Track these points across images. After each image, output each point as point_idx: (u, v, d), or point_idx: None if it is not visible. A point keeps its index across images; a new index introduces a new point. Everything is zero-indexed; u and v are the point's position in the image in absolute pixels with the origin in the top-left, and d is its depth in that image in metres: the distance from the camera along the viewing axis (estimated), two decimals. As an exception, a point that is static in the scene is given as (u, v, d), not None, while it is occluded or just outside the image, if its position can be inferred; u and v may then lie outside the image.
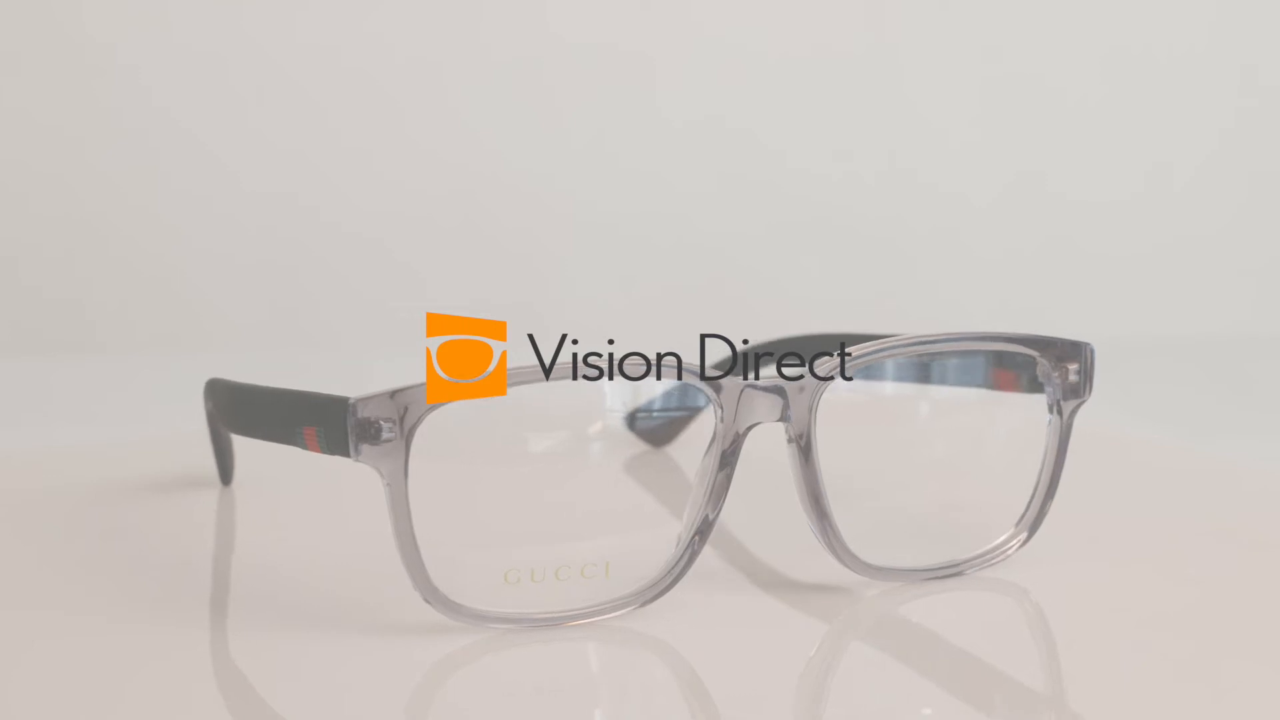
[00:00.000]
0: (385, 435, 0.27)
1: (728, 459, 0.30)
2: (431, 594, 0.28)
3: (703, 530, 0.30)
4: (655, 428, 0.46)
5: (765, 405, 0.30)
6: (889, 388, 0.46)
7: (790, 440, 0.30)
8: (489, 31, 1.24)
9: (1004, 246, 1.29)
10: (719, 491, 0.30)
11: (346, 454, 0.28)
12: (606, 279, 1.25)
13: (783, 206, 1.27)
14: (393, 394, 0.28)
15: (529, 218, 1.25)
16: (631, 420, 0.46)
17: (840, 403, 0.46)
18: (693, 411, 0.46)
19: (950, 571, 0.32)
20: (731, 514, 0.30)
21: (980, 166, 1.29)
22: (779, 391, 0.30)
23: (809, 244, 1.26)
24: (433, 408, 0.28)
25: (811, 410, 0.30)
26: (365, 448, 0.28)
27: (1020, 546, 0.33)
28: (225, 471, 0.41)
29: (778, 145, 1.27)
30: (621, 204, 1.26)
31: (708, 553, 0.31)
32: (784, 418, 0.30)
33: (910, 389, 0.45)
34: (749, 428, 0.30)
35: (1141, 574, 0.33)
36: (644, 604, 0.29)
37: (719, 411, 0.29)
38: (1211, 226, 1.31)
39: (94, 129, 1.20)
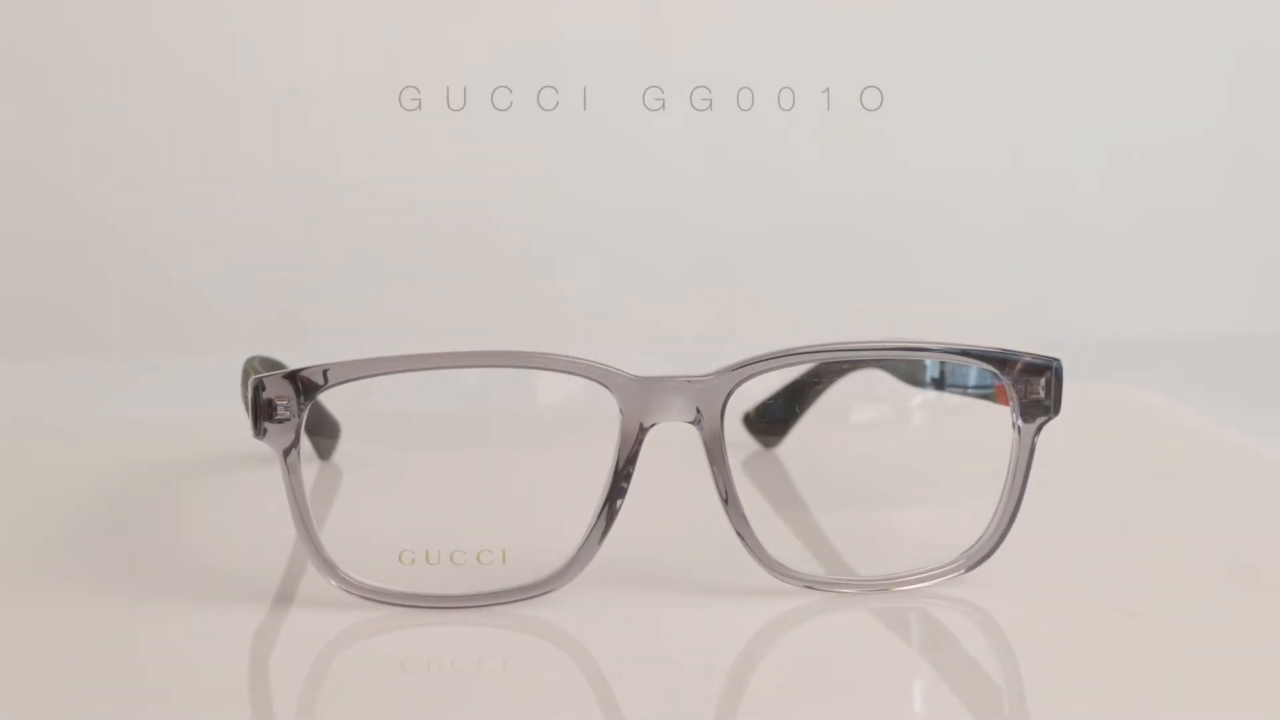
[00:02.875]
0: (280, 414, 0.28)
1: (628, 456, 0.30)
2: (325, 568, 0.29)
3: (602, 528, 0.30)
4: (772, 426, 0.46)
5: (669, 403, 0.30)
6: (863, 393, 0.46)
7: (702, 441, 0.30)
8: (489, 29, 1.24)
9: (1011, 244, 1.29)
10: (618, 489, 0.30)
11: (254, 433, 0.29)
12: (607, 279, 1.25)
13: (783, 206, 1.27)
14: (291, 374, 0.29)
15: (529, 217, 1.25)
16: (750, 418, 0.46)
17: (830, 410, 0.46)
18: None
19: (876, 587, 0.31)
20: (675, 514, 0.31)
21: (979, 166, 1.29)
22: (684, 390, 0.30)
23: (811, 244, 1.26)
24: (326, 389, 0.29)
25: (719, 411, 0.30)
26: (267, 426, 0.29)
27: (961, 574, 0.32)
28: (322, 448, 0.42)
29: (778, 144, 1.27)
30: (621, 204, 1.26)
31: (625, 552, 0.31)
32: (694, 419, 0.30)
33: (885, 395, 0.45)
34: (650, 425, 0.30)
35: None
36: (539, 594, 0.30)
37: (619, 406, 0.30)
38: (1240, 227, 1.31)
39: (94, 129, 1.20)
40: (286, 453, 0.29)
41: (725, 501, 0.31)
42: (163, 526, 0.36)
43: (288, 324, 1.20)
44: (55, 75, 1.19)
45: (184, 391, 0.96)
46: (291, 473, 0.29)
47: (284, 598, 0.30)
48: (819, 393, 0.43)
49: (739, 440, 0.44)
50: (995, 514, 0.32)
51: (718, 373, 0.30)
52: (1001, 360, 0.32)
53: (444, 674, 0.27)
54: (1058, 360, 0.32)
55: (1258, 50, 1.29)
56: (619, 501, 0.30)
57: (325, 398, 0.30)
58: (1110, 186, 1.30)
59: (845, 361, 0.34)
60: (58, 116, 1.19)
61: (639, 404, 0.30)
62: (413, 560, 0.30)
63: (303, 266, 1.22)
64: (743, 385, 0.30)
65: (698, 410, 0.30)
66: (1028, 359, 0.32)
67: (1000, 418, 0.35)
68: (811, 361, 0.33)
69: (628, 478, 0.30)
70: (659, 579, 0.32)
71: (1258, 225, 1.30)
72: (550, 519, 0.31)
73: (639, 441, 0.30)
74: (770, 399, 0.44)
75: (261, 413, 0.29)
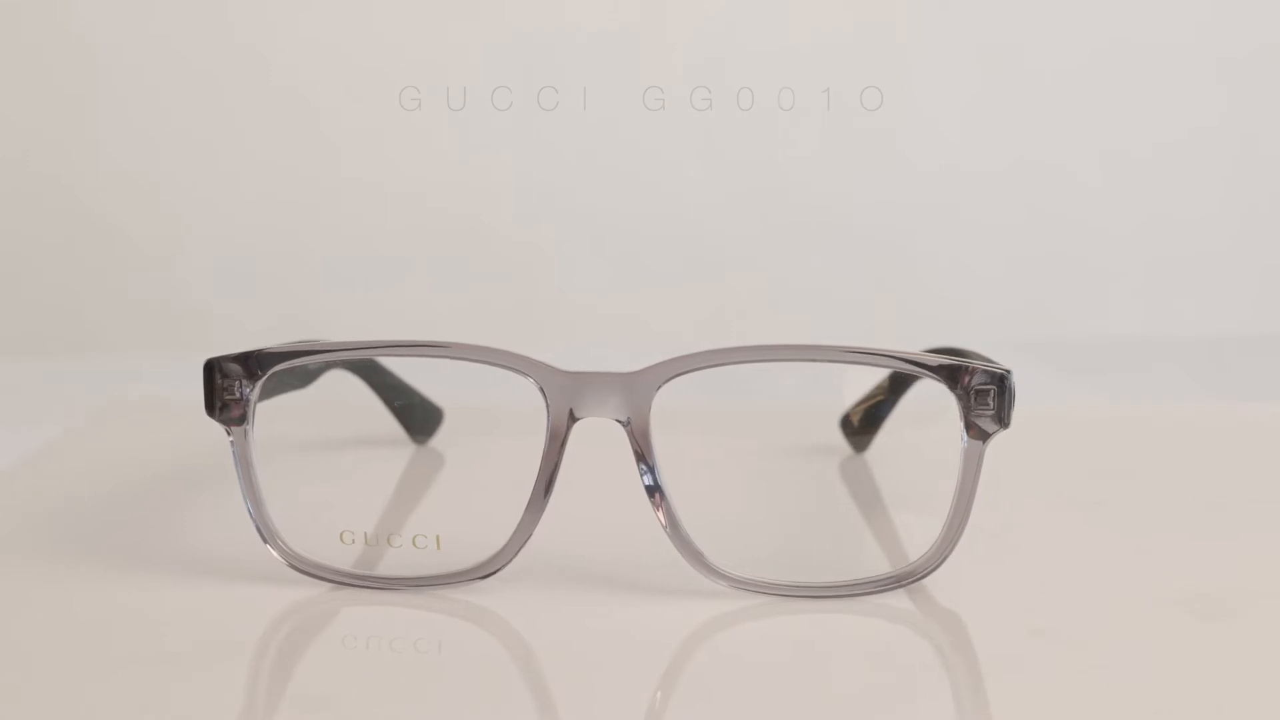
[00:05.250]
0: (234, 394, 0.31)
1: (555, 450, 0.31)
2: (268, 535, 0.31)
3: (532, 520, 0.31)
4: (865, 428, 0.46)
5: (596, 399, 0.31)
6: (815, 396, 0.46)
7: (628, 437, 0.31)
8: (489, 29, 1.24)
9: (1011, 243, 1.29)
10: (547, 483, 0.31)
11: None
12: (607, 278, 1.25)
13: (783, 205, 1.27)
14: (244, 355, 0.31)
15: (529, 217, 1.25)
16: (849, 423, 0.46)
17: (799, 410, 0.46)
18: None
19: (812, 594, 0.31)
20: (627, 509, 0.31)
21: (980, 165, 1.29)
22: (611, 385, 0.30)
23: (811, 243, 1.26)
24: (274, 370, 0.31)
25: (646, 408, 0.30)
26: (221, 405, 0.31)
27: (898, 587, 0.31)
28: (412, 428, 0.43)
29: (778, 143, 1.27)
30: (620, 203, 1.26)
31: (570, 545, 0.33)
32: (620, 416, 0.31)
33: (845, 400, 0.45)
34: (578, 419, 0.30)
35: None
36: (470, 580, 0.31)
37: (546, 401, 0.30)
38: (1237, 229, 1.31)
39: (94, 128, 1.20)
40: (231, 429, 0.31)
41: (651, 497, 0.31)
42: (160, 509, 0.38)
43: (288, 324, 1.20)
44: (55, 73, 1.19)
45: (184, 391, 0.96)
46: (237, 446, 0.31)
47: (243, 573, 0.32)
48: (895, 401, 0.42)
49: (835, 444, 0.44)
50: (941, 530, 0.31)
51: (644, 370, 0.30)
52: (949, 371, 0.30)
53: (381, 653, 0.28)
54: (1008, 371, 0.30)
55: (1259, 49, 1.29)
56: (547, 495, 0.30)
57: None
58: (1111, 186, 1.30)
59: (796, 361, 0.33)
60: (58, 116, 1.19)
61: (565, 399, 0.30)
62: (353, 540, 0.31)
63: (303, 266, 1.22)
64: (669, 383, 0.30)
65: (625, 407, 0.30)
66: (980, 371, 0.30)
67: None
68: (742, 361, 0.31)
69: (555, 471, 0.30)
70: (596, 573, 0.32)
71: (1258, 225, 1.30)
72: (492, 509, 0.32)
73: (566, 435, 0.30)
74: (868, 405, 0.44)
75: (214, 393, 0.31)
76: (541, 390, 0.30)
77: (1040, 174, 1.29)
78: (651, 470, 0.30)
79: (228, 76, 1.21)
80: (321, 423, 0.47)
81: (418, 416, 0.44)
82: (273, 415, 0.33)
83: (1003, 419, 0.30)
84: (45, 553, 0.34)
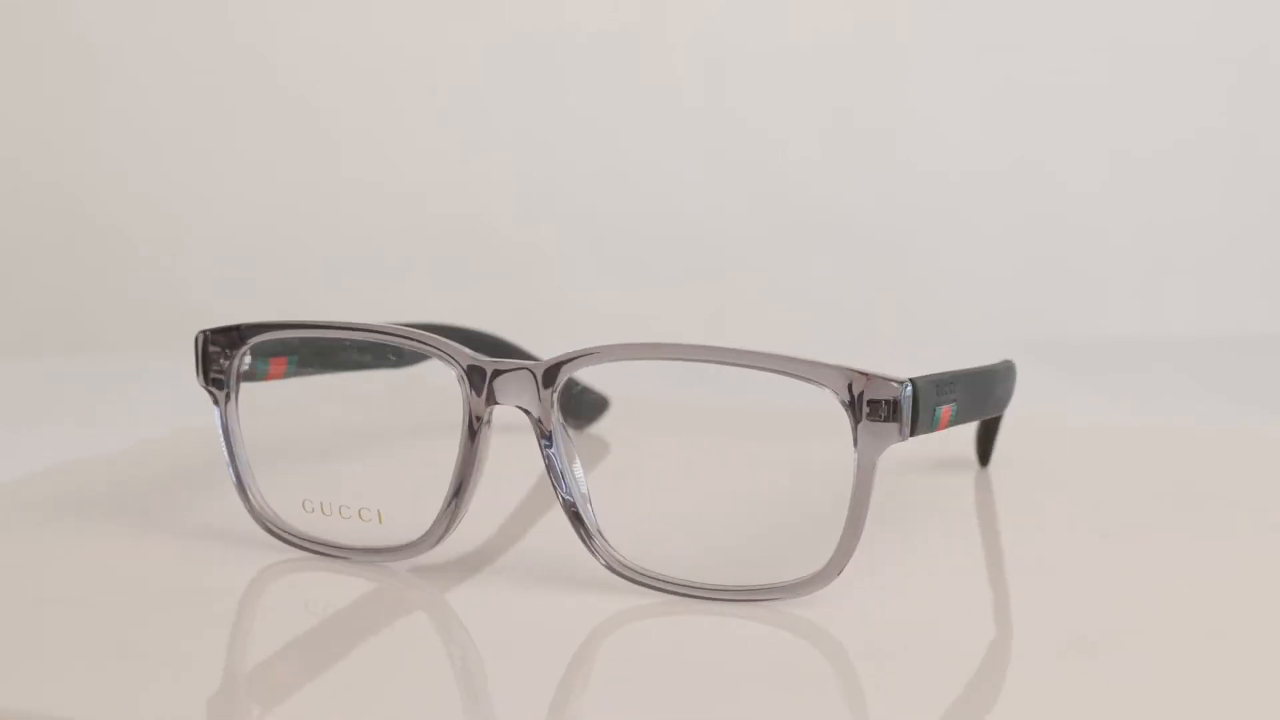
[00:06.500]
0: (219, 366, 0.34)
1: (469, 436, 0.31)
2: (240, 491, 0.34)
3: (452, 508, 0.32)
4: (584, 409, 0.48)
5: (504, 387, 0.31)
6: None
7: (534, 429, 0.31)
8: (489, 29, 1.24)
9: (1011, 244, 1.29)
10: (467, 470, 0.31)
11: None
12: (606, 280, 1.25)
13: (783, 206, 1.27)
14: (234, 328, 0.34)
15: (530, 217, 1.25)
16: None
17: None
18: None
19: (708, 595, 0.31)
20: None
21: (980, 166, 1.29)
22: (519, 374, 0.31)
23: (811, 243, 1.27)
24: (250, 345, 0.34)
25: (551, 398, 0.31)
26: (213, 375, 0.34)
27: (789, 598, 0.30)
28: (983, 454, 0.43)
29: (778, 144, 1.27)
30: (621, 203, 1.26)
31: (496, 532, 0.34)
32: (525, 405, 0.31)
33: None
34: (490, 406, 0.31)
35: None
36: (409, 556, 0.32)
37: (461, 387, 0.32)
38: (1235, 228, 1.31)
39: (94, 130, 1.20)
40: (217, 396, 0.34)
41: (554, 486, 0.31)
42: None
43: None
44: (55, 74, 1.19)
45: (184, 391, 0.96)
46: (220, 411, 0.34)
47: (229, 536, 0.35)
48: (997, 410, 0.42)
49: (968, 458, 0.43)
50: (837, 542, 0.30)
51: (548, 360, 0.31)
52: (841, 379, 0.29)
53: (310, 617, 0.31)
54: (907, 383, 0.29)
55: (1259, 52, 1.29)
56: (467, 482, 0.31)
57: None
58: (1111, 187, 1.30)
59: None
60: (58, 116, 1.20)
61: (479, 386, 0.31)
62: (312, 509, 0.33)
63: (303, 266, 1.22)
64: (571, 374, 0.31)
65: (530, 395, 0.31)
66: (873, 382, 0.29)
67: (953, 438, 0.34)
68: (641, 358, 0.31)
69: (474, 458, 0.31)
70: (517, 563, 0.33)
71: (1257, 226, 1.30)
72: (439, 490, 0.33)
73: (481, 422, 0.31)
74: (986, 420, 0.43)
75: (205, 363, 0.34)
76: (458, 377, 0.32)
77: (1040, 174, 1.29)
78: (550, 455, 0.31)
79: (227, 77, 1.21)
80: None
81: (587, 403, 0.47)
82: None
83: (898, 432, 0.29)
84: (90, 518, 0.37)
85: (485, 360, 0.31)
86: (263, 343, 0.34)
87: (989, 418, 0.42)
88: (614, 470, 0.42)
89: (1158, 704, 0.26)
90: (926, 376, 0.30)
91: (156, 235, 1.21)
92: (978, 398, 0.34)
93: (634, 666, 0.27)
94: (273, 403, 0.37)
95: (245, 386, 0.34)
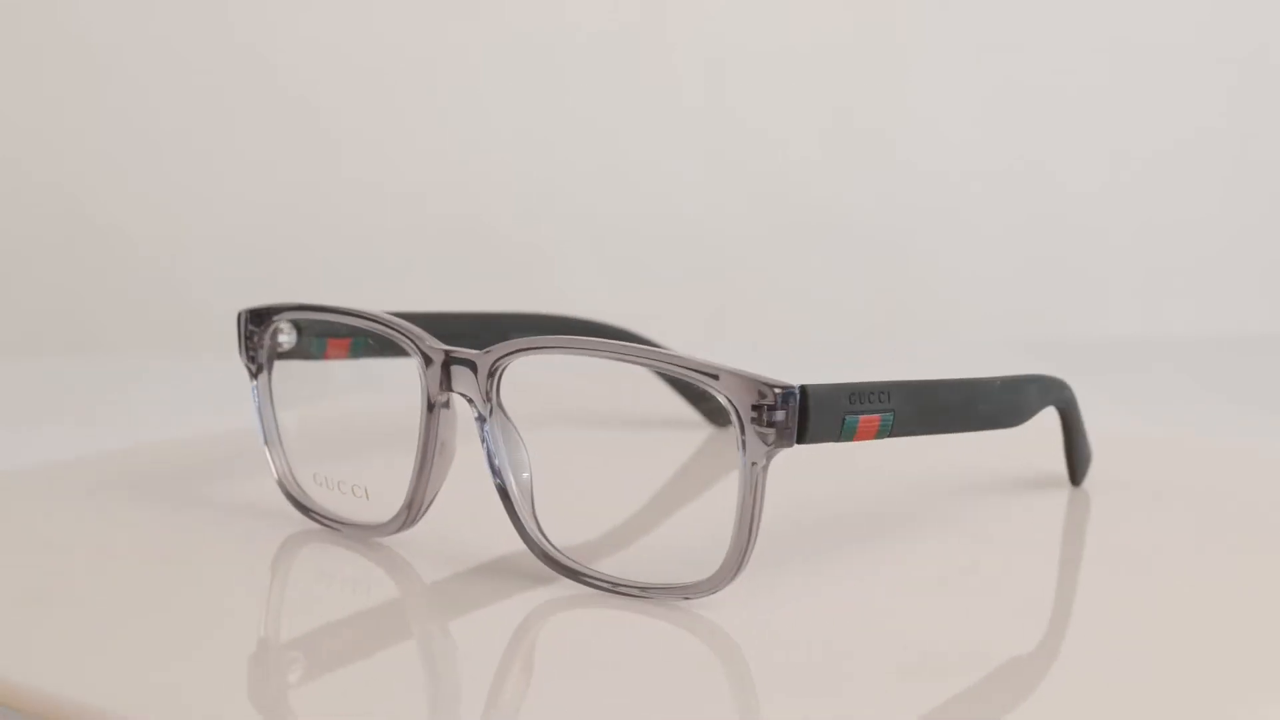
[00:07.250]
0: (253, 345, 0.37)
1: (428, 422, 0.33)
2: (272, 461, 0.37)
3: (417, 494, 0.33)
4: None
5: (454, 374, 0.32)
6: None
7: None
8: (489, 29, 1.24)
9: (1011, 244, 1.29)
10: (427, 455, 0.33)
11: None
12: (606, 280, 1.25)
13: (783, 206, 1.27)
14: (262, 310, 0.37)
15: (530, 217, 1.25)
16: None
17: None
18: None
19: (608, 587, 0.31)
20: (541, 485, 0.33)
21: (980, 166, 1.29)
22: (465, 362, 0.32)
23: (811, 243, 1.27)
24: (270, 324, 0.37)
25: (492, 387, 0.32)
26: (248, 355, 0.37)
27: (684, 599, 0.30)
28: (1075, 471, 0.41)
29: (778, 144, 1.27)
30: (622, 204, 1.26)
31: (457, 522, 0.35)
32: (469, 394, 0.32)
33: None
34: (444, 392, 0.32)
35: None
36: (389, 534, 0.34)
37: (419, 372, 0.33)
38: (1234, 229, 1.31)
39: (95, 129, 1.20)
40: (255, 374, 0.37)
41: (492, 475, 0.32)
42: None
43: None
44: (55, 73, 1.19)
45: (184, 391, 0.96)
46: (259, 388, 0.37)
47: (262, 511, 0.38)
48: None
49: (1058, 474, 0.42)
50: (728, 548, 0.29)
51: (490, 350, 0.31)
52: (733, 383, 0.28)
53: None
54: (794, 389, 0.28)
55: (1259, 52, 1.29)
56: (429, 468, 0.32)
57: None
58: (1111, 187, 1.30)
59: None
60: (58, 116, 1.20)
61: (432, 372, 0.32)
62: (322, 483, 0.36)
63: (303, 266, 1.22)
64: (511, 364, 0.31)
65: (473, 384, 0.32)
66: (758, 387, 0.28)
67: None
68: (589, 352, 0.31)
69: (435, 444, 0.32)
70: (464, 548, 0.35)
71: (1257, 226, 1.30)
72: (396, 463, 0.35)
73: (435, 408, 0.32)
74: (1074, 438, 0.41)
75: (244, 342, 0.37)
76: (416, 363, 0.33)
77: (1040, 174, 1.29)
78: (487, 442, 0.31)
79: (227, 77, 1.21)
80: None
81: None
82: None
83: (785, 438, 0.28)
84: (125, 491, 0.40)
85: (436, 346, 0.33)
86: (322, 323, 0.37)
87: (1072, 434, 0.40)
88: (556, 461, 0.43)
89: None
90: (840, 384, 0.29)
91: (156, 235, 1.21)
92: (926, 410, 0.32)
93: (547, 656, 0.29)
94: (323, 384, 0.40)
95: (299, 365, 0.38)
